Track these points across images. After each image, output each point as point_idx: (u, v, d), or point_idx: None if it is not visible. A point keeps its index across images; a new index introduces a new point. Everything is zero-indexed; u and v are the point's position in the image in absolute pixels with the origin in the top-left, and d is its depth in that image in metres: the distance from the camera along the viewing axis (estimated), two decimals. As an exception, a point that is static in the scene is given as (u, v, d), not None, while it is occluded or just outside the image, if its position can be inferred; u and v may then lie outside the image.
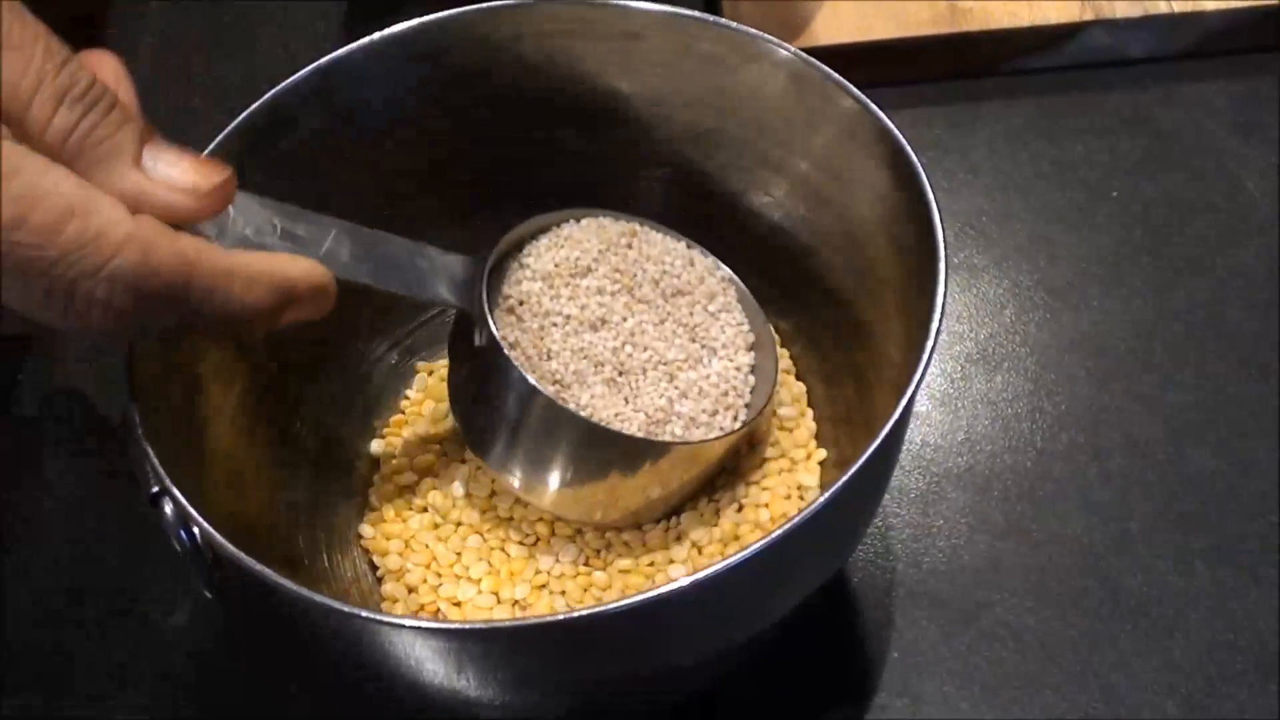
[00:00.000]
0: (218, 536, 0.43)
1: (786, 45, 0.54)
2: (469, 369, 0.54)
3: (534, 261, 0.54)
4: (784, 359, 0.59)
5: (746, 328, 0.55)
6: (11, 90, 0.41)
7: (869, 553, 0.58)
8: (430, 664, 0.45)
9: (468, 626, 0.46)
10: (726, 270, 0.57)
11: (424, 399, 0.61)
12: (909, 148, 0.50)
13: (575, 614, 0.44)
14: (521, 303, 0.53)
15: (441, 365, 0.61)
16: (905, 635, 0.56)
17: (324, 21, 0.80)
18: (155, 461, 0.45)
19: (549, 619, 0.47)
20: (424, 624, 0.48)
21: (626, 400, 0.52)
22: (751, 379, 0.55)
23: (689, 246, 0.57)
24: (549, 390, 0.51)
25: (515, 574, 0.55)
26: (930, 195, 0.49)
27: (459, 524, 0.57)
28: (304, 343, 0.56)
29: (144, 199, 0.42)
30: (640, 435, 0.52)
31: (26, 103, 0.41)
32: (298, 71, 0.54)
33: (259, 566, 0.43)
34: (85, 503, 0.62)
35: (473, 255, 0.52)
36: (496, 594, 0.55)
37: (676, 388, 0.53)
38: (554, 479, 0.53)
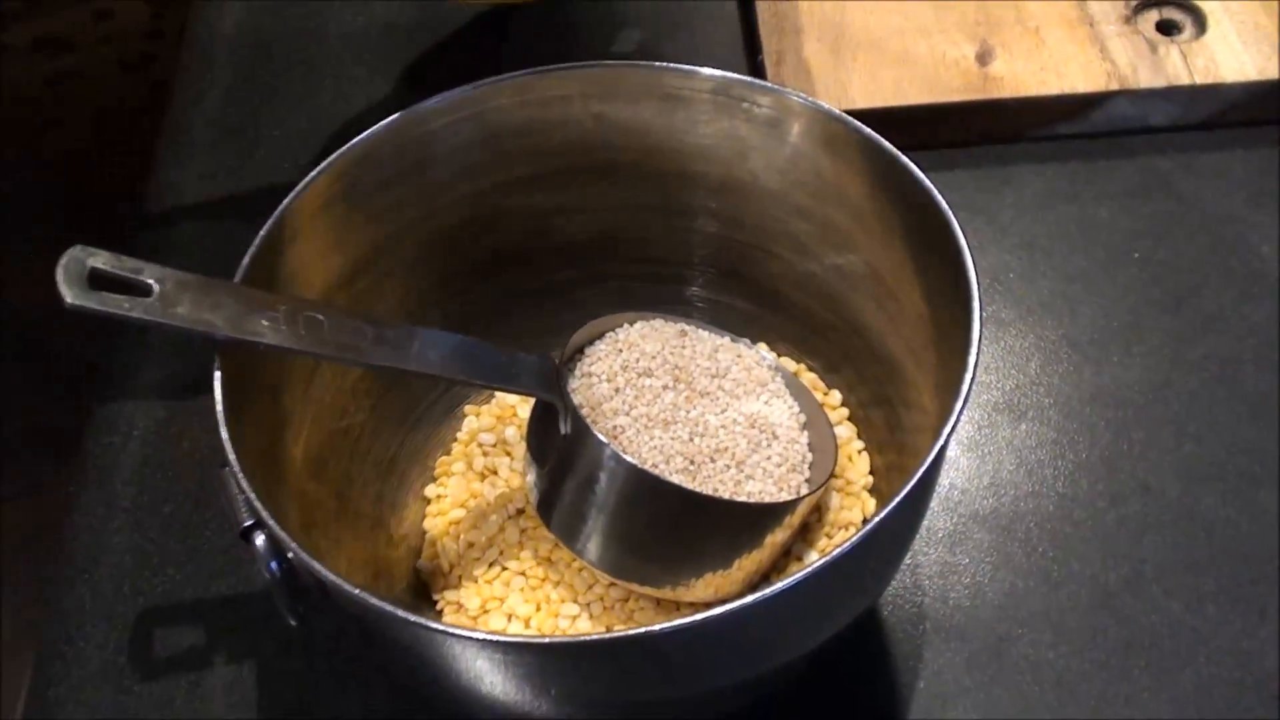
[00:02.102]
0: (316, 565, 0.46)
1: (824, 104, 0.57)
2: (554, 459, 0.57)
3: (598, 366, 0.58)
4: (844, 426, 0.62)
5: (798, 409, 0.59)
6: None
7: (899, 588, 0.61)
8: (491, 676, 0.48)
9: (567, 640, 0.49)
10: (771, 357, 0.61)
11: (470, 440, 0.64)
12: (942, 200, 0.53)
13: (624, 633, 0.48)
14: (594, 406, 0.56)
15: (485, 407, 0.65)
16: (931, 667, 0.59)
17: (382, 79, 0.83)
18: (251, 497, 0.48)
19: (600, 636, 0.51)
20: (514, 639, 0.51)
21: (713, 477, 0.56)
22: (810, 455, 0.58)
23: (734, 340, 0.61)
24: (638, 460, 0.54)
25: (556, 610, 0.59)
26: (965, 250, 0.51)
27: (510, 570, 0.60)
28: (368, 395, 0.60)
29: None
30: (729, 499, 0.55)
31: None
32: (365, 124, 0.58)
33: (360, 592, 0.45)
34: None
35: (539, 354, 0.56)
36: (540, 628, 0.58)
37: (743, 471, 0.56)
38: (634, 551, 0.56)
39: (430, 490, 0.63)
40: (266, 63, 0.85)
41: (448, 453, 0.64)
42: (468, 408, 0.65)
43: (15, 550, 0.84)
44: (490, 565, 0.60)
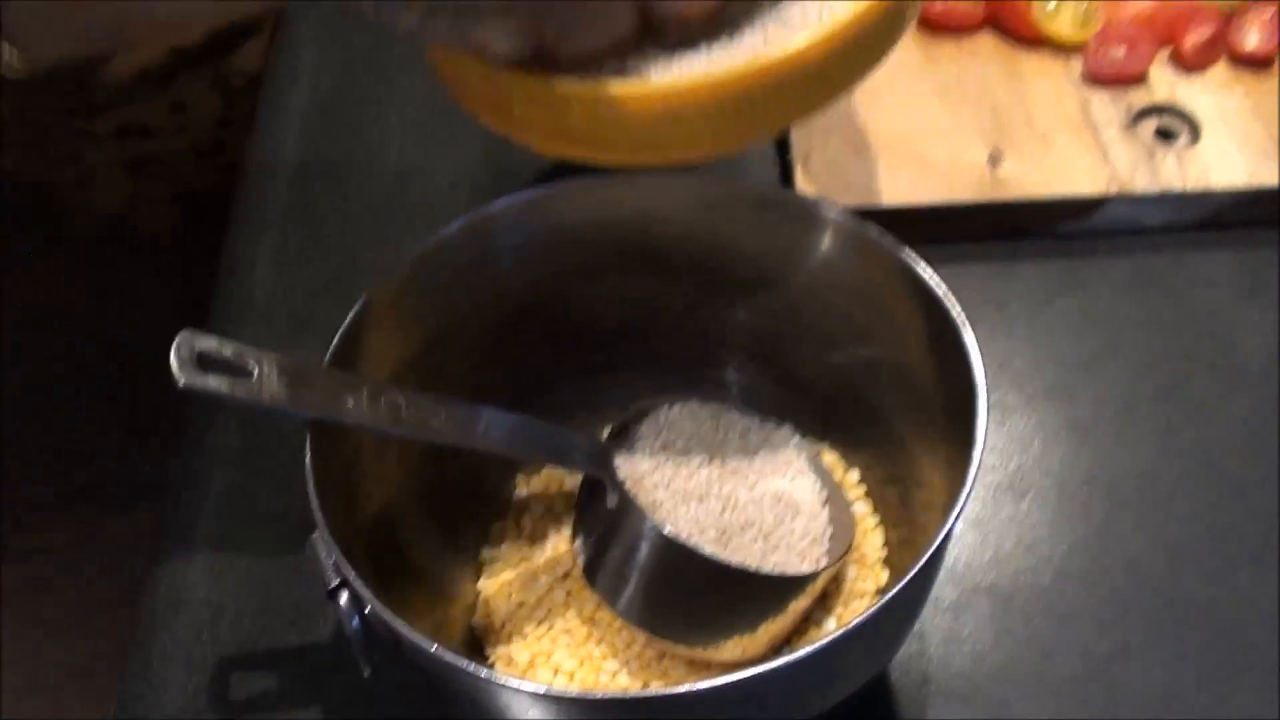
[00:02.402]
0: (395, 622, 0.52)
1: (844, 210, 0.64)
2: (600, 529, 0.63)
3: (641, 445, 0.64)
4: (860, 503, 0.68)
5: (819, 486, 0.65)
6: None
7: (908, 653, 0.66)
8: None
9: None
10: (796, 438, 0.67)
11: (522, 509, 0.70)
12: (953, 302, 0.59)
13: (662, 692, 0.55)
14: (637, 481, 0.62)
15: (534, 479, 0.71)
16: (933, 728, 0.65)
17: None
18: (341, 560, 0.54)
19: (640, 694, 0.58)
20: (563, 693, 0.57)
21: (744, 548, 0.62)
22: (830, 529, 0.64)
23: (763, 422, 0.67)
24: (676, 533, 0.60)
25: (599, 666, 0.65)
26: (972, 347, 0.58)
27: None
28: (433, 465, 0.66)
29: None
30: (756, 570, 0.61)
31: None
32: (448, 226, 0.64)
33: (435, 648, 0.52)
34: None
35: (588, 433, 0.63)
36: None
37: (769, 543, 0.62)
38: (669, 613, 0.62)
39: (485, 554, 0.69)
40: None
41: (501, 519, 0.70)
42: (519, 478, 0.71)
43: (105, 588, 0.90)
44: (539, 623, 0.66)
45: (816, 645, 0.51)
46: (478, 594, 0.68)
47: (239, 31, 0.95)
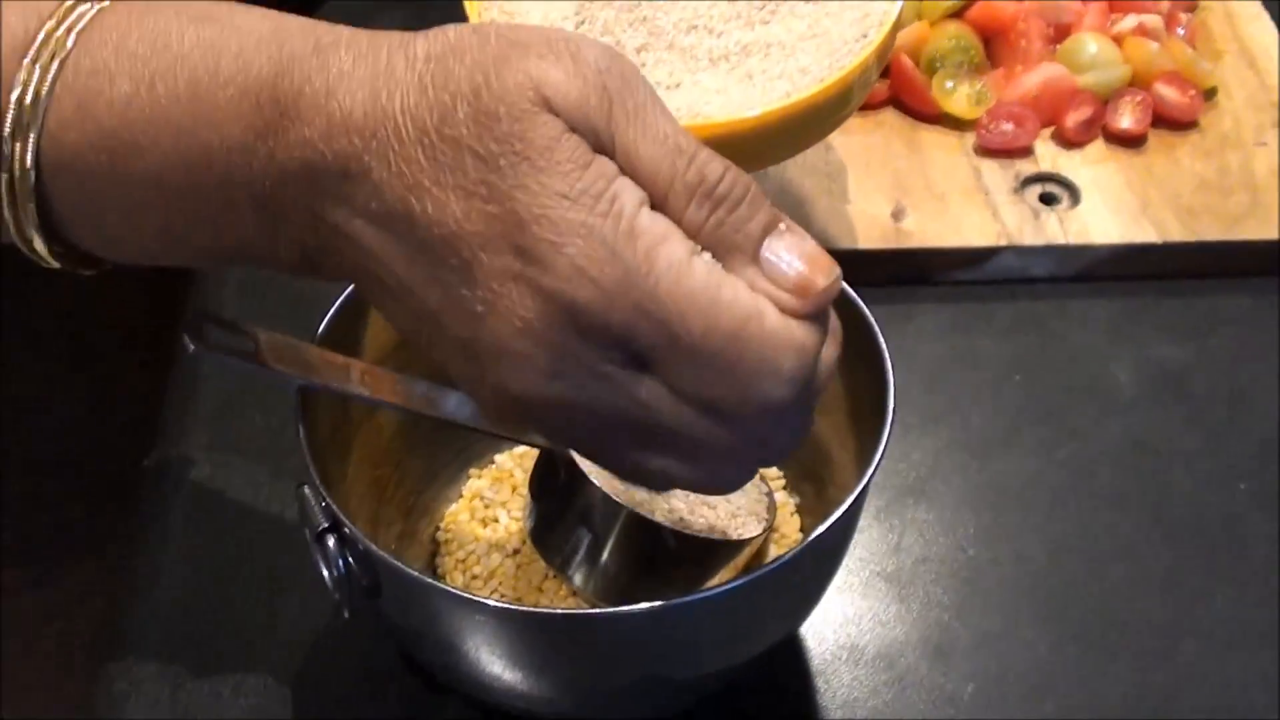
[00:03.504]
0: (379, 551, 0.59)
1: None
2: (552, 503, 0.69)
3: None
4: (780, 493, 0.76)
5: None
6: (650, 183, 0.46)
7: (819, 623, 0.74)
8: (491, 641, 0.61)
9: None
10: None
11: (474, 496, 0.77)
12: (873, 321, 0.67)
13: (598, 610, 0.63)
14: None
15: (486, 470, 0.78)
16: (840, 689, 0.72)
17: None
18: (330, 503, 0.61)
19: (574, 611, 0.68)
20: (511, 606, 0.64)
21: (684, 520, 0.68)
22: (761, 502, 0.71)
23: None
24: (628, 502, 0.67)
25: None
26: (887, 359, 0.66)
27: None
28: (397, 453, 0.73)
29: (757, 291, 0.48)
30: (707, 537, 0.68)
31: (663, 197, 0.46)
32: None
33: (415, 574, 0.59)
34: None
35: None
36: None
37: (714, 510, 0.69)
38: (614, 577, 0.68)
39: (440, 535, 0.76)
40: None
41: (455, 505, 0.77)
42: (471, 470, 0.78)
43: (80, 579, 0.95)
44: (491, 594, 0.73)
45: (734, 583, 0.59)
46: (434, 570, 0.75)
47: None
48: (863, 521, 0.78)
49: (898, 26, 0.80)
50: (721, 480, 0.52)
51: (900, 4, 0.79)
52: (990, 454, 0.83)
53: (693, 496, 0.69)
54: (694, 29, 0.79)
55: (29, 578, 1.02)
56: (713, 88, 0.77)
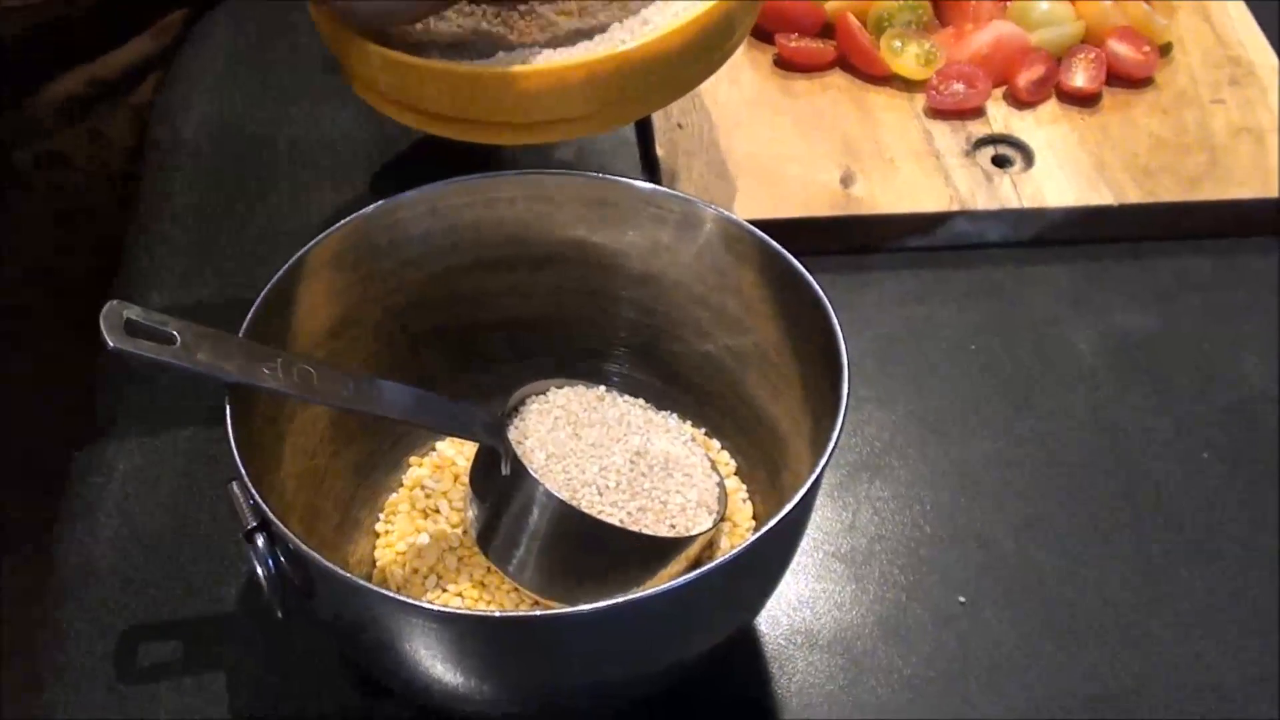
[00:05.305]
0: (311, 553, 0.56)
1: (727, 212, 0.70)
2: (493, 497, 0.67)
3: (531, 420, 0.69)
4: (732, 479, 0.74)
5: (697, 460, 0.70)
6: None
7: (775, 609, 0.72)
8: (430, 646, 0.58)
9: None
10: (675, 419, 0.73)
11: (414, 485, 0.75)
12: (821, 293, 0.65)
13: (543, 613, 0.61)
14: (529, 452, 0.67)
15: (427, 458, 0.76)
16: (801, 673, 0.70)
17: (349, 186, 0.95)
18: (259, 501, 0.58)
19: (517, 613, 0.64)
20: (453, 611, 0.62)
21: (629, 514, 0.66)
22: (706, 500, 0.69)
23: (644, 406, 0.73)
24: (566, 497, 0.65)
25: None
26: (838, 334, 0.64)
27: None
28: (332, 443, 0.71)
29: None
30: (649, 534, 0.66)
31: None
32: (332, 222, 0.69)
33: (348, 574, 0.56)
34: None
35: (485, 407, 0.67)
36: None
37: (651, 508, 0.67)
38: (557, 573, 0.67)
39: (380, 526, 0.73)
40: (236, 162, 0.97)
41: (395, 495, 0.75)
42: (412, 459, 0.76)
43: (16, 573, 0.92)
44: (432, 589, 0.70)
45: (686, 579, 0.56)
46: (374, 562, 0.72)
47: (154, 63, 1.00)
48: (817, 500, 0.76)
49: None
50: None
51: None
52: (948, 428, 0.81)
53: (640, 491, 0.67)
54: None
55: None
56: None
